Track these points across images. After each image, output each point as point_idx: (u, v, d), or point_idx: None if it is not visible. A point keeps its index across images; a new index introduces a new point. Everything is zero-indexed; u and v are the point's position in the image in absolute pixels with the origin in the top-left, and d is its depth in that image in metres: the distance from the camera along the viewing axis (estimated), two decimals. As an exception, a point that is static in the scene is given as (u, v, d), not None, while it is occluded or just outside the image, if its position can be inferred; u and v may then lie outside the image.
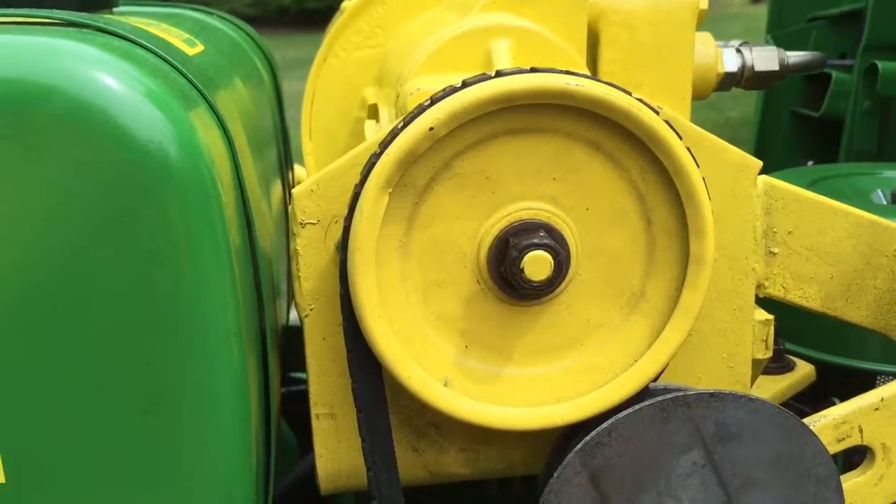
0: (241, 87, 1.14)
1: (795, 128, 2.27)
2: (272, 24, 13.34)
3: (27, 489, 0.80)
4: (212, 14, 1.50)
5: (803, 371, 1.35)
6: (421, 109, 0.82)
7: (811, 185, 1.66)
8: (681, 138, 0.85)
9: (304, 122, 1.29)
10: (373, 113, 1.15)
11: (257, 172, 1.08)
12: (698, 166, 0.86)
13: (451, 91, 0.82)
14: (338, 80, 1.28)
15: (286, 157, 1.69)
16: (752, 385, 1.07)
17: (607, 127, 0.84)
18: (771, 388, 1.29)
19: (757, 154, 2.28)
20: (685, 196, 0.86)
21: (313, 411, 0.97)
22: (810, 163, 2.07)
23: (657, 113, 0.84)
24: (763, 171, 0.99)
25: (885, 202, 1.69)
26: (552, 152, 0.86)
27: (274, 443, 0.98)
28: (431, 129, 0.81)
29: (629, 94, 0.84)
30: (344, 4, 1.32)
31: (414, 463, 0.99)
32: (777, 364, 1.35)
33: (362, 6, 1.24)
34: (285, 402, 1.63)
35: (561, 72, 0.84)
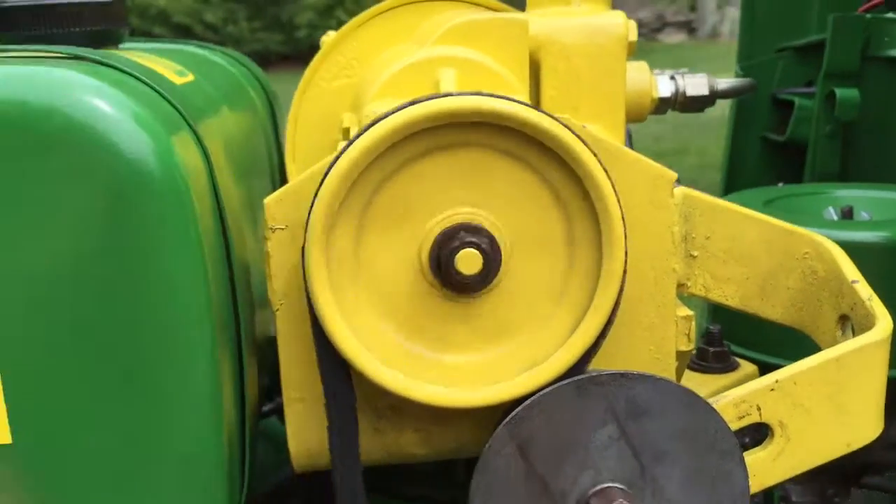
0: (228, 113, 1.29)
1: (765, 152, 2.37)
2: (304, 61, 13.61)
3: (29, 449, 0.95)
4: (213, 50, 1.65)
5: (745, 371, 1.46)
6: (371, 124, 0.96)
7: (767, 204, 1.77)
8: (586, 143, 0.96)
9: (288, 146, 1.42)
10: (346, 135, 1.28)
11: (240, 190, 1.22)
12: (605, 169, 0.97)
13: (398, 108, 0.96)
14: (318, 107, 1.42)
15: (282, 181, 1.83)
16: (681, 376, 1.19)
17: (525, 140, 0.97)
18: (711, 386, 1.40)
19: (729, 177, 2.42)
20: (594, 194, 0.97)
21: (285, 395, 1.09)
22: (780, 184, 2.18)
23: (569, 128, 0.97)
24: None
25: (835, 218, 1.80)
26: (479, 164, 0.98)
27: (249, 434, 1.11)
28: (378, 142, 0.95)
29: (542, 111, 0.97)
30: (323, 39, 1.47)
31: (375, 443, 1.11)
32: (721, 364, 1.46)
33: (338, 41, 1.39)
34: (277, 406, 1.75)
35: (495, 96, 0.97)
